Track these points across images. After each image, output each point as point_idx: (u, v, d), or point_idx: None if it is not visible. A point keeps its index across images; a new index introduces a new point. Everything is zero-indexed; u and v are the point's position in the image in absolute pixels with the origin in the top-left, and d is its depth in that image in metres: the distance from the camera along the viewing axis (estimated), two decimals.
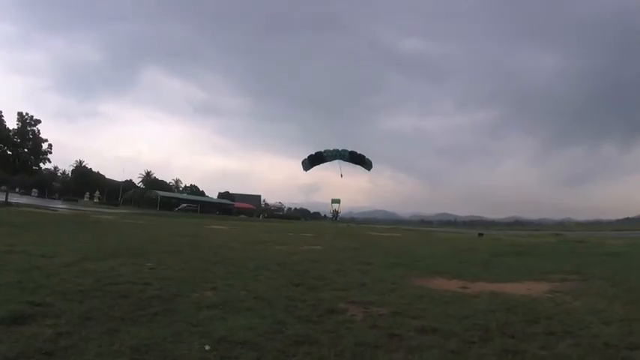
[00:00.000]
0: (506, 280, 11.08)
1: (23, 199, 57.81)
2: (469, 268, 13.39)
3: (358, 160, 38.05)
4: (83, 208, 57.00)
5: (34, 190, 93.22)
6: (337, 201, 44.29)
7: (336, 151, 37.41)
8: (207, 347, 5.05)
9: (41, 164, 47.65)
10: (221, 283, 9.21)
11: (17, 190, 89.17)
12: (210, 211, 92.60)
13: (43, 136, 45.01)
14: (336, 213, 44.40)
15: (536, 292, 9.38)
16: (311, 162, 38.91)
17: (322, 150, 38.16)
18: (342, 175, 40.78)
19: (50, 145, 45.43)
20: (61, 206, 55.61)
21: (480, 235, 43.03)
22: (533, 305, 7.88)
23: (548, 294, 9.15)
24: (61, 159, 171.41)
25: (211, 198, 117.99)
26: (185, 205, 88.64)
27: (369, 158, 38.92)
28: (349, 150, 37.60)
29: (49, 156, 46.38)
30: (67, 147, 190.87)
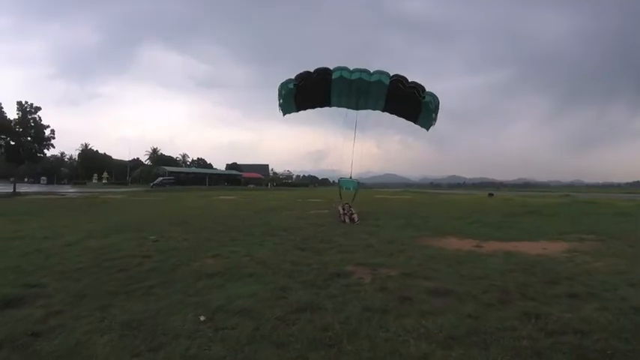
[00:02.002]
0: (520, 240, 10.64)
1: (32, 188, 57.94)
2: (482, 228, 12.95)
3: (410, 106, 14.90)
4: (91, 190, 57.28)
5: (42, 177, 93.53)
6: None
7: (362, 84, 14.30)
8: (202, 318, 4.69)
9: (45, 151, 47.31)
10: (224, 250, 8.89)
11: (26, 179, 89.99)
12: (218, 183, 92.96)
13: (44, 122, 44.52)
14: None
15: (553, 251, 8.93)
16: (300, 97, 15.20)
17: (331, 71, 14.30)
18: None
19: (53, 131, 45.00)
20: (69, 190, 55.57)
21: (490, 195, 42.54)
22: (551, 265, 7.42)
23: (565, 254, 8.67)
24: (67, 144, 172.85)
25: (219, 170, 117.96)
26: (161, 179, 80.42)
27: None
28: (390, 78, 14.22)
29: (52, 142, 45.99)
30: (72, 132, 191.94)
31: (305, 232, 12.04)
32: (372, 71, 13.95)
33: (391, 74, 14.06)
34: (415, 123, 15.46)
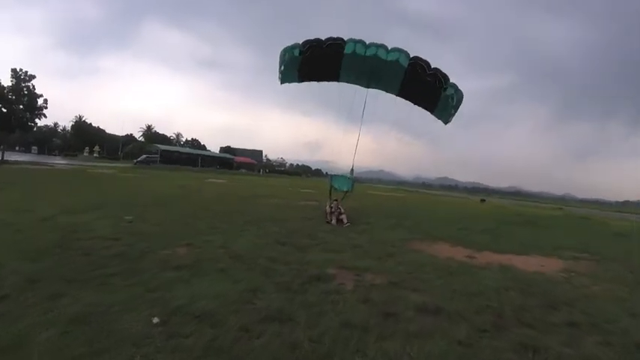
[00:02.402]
0: (514, 252, 10.08)
1: (22, 157, 56.67)
2: (475, 235, 12.41)
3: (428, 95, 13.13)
4: (81, 163, 56.19)
5: (33, 147, 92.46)
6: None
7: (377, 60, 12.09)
8: (155, 320, 4.10)
9: (37, 120, 46.23)
10: (199, 239, 8.25)
11: (17, 148, 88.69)
12: (210, 165, 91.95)
13: (39, 92, 43.49)
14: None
15: (549, 269, 8.39)
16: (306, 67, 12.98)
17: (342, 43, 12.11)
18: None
19: (45, 101, 43.93)
20: (59, 162, 54.45)
21: (482, 200, 42.27)
22: (549, 286, 6.86)
23: (562, 273, 8.13)
24: (62, 116, 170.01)
25: (212, 152, 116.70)
26: (145, 156, 77.00)
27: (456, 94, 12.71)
28: (409, 60, 12.13)
29: (44, 111, 44.95)
30: (68, 104, 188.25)
31: (290, 224, 11.43)
32: (389, 48, 11.89)
33: (411, 55, 12.02)
34: (432, 114, 13.61)
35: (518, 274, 7.59)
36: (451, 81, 12.26)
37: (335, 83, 13.37)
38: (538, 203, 65.83)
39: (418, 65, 12.05)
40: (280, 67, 12.92)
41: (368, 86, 13.74)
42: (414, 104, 13.57)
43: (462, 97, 12.94)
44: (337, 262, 7.06)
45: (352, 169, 14.47)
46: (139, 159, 71.14)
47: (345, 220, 12.35)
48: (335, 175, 14.84)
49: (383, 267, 7.04)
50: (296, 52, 12.24)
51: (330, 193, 14.05)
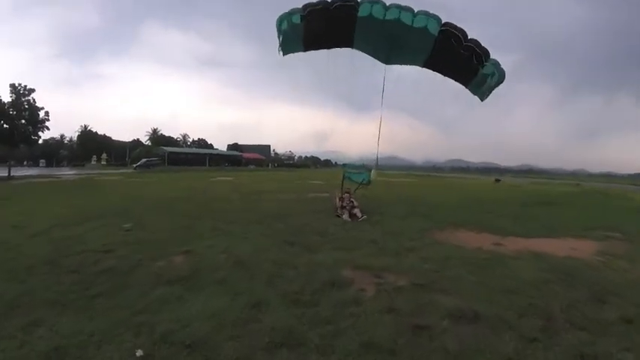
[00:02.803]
0: (542, 235, 9.27)
1: (30, 171, 56.43)
2: (497, 220, 11.52)
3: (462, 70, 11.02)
4: (88, 172, 56.01)
5: (41, 160, 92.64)
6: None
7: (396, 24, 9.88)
8: (138, 353, 3.41)
9: (40, 133, 45.86)
10: (200, 244, 7.56)
11: (25, 163, 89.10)
12: (218, 164, 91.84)
13: (41, 104, 42.97)
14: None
15: (583, 253, 7.57)
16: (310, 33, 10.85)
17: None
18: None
19: (47, 113, 43.29)
20: (66, 173, 54.00)
21: (497, 181, 41.10)
22: (590, 274, 6.05)
23: (598, 257, 7.32)
24: (68, 126, 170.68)
25: (219, 150, 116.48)
26: (145, 160, 74.22)
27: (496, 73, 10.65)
28: (440, 26, 9.96)
29: (47, 124, 44.53)
30: (73, 114, 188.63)
31: (298, 219, 10.67)
32: (415, 10, 9.74)
33: (443, 20, 9.86)
34: (466, 87, 11.47)
35: (553, 261, 6.79)
36: (492, 57, 10.32)
37: (347, 61, 11.36)
38: (552, 180, 64.06)
39: (452, 35, 9.92)
40: (279, 37, 10.98)
41: (387, 61, 11.68)
42: (444, 76, 11.41)
43: (504, 76, 10.91)
44: (352, 261, 6.29)
45: (377, 161, 13.08)
46: (138, 163, 69.33)
47: (359, 215, 11.13)
48: (350, 165, 13.59)
49: (405, 264, 6.24)
50: (295, 19, 10.36)
51: (342, 185, 12.97)
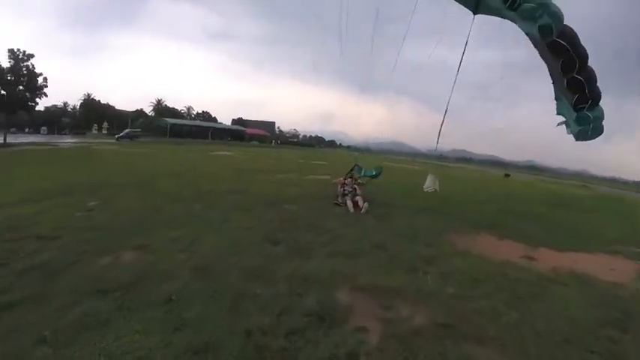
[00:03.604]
0: (574, 248, 7.91)
1: (29, 138, 54.73)
2: (519, 222, 10.11)
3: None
4: (87, 141, 54.41)
5: (43, 128, 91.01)
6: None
7: None
8: None
9: (38, 100, 44.39)
10: (161, 235, 6.21)
11: (27, 130, 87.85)
12: (221, 137, 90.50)
13: (44, 71, 41.68)
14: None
15: (625, 276, 6.37)
16: None
17: None
18: None
19: (45, 79, 41.67)
20: (67, 141, 52.12)
21: (507, 175, 39.52)
22: None
23: None
24: (72, 95, 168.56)
25: (223, 124, 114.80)
26: (127, 130, 69.22)
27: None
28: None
29: (45, 90, 43.05)
30: (78, 83, 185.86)
31: (292, 207, 9.24)
32: None
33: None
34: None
35: (600, 289, 5.49)
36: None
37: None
38: (559, 179, 62.08)
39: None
40: None
41: (476, 10, 8.41)
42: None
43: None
44: (352, 277, 4.86)
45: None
46: (120, 134, 65.17)
47: (360, 203, 9.67)
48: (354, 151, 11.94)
49: (422, 287, 4.77)
50: None
51: (351, 174, 11.51)
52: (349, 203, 9.62)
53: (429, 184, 9.64)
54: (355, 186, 10.51)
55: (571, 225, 10.85)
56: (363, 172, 11.60)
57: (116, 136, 64.46)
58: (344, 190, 10.32)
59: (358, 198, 9.91)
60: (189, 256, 5.18)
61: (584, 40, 7.22)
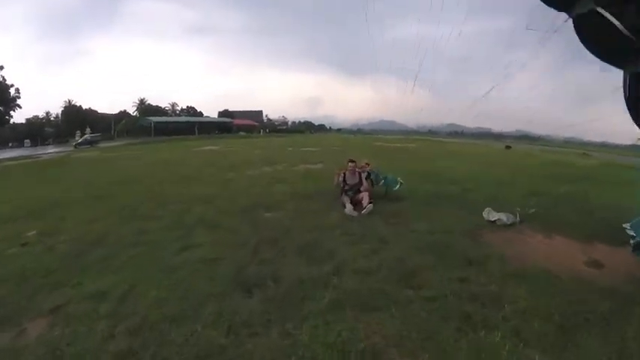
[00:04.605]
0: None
1: (14, 152, 51.62)
2: (554, 207, 8.17)
3: None
4: (67, 150, 51.87)
5: (26, 140, 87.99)
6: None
7: None
8: None
9: (12, 112, 41.57)
10: (88, 287, 4.29)
11: (10, 144, 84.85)
12: (209, 131, 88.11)
13: (16, 83, 38.80)
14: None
15: None
16: None
17: None
18: None
19: (18, 90, 39.20)
20: (48, 151, 49.33)
21: (508, 147, 37.72)
22: None
23: None
24: (54, 104, 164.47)
25: (209, 117, 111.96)
26: (87, 136, 64.63)
27: None
28: None
29: (18, 102, 40.27)
30: (59, 92, 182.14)
31: (276, 215, 7.19)
32: None
33: None
34: None
35: None
36: None
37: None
38: (555, 148, 59.68)
39: None
40: None
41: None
42: None
43: None
44: (371, 339, 2.95)
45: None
46: (79, 141, 60.44)
47: (365, 202, 7.38)
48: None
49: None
50: None
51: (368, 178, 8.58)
52: (348, 205, 7.39)
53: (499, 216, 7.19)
54: (360, 174, 8.13)
55: (611, 205, 8.71)
56: (383, 180, 9.06)
57: (74, 143, 61.04)
58: (344, 185, 7.96)
59: (363, 195, 7.64)
60: (112, 330, 3.26)
61: None
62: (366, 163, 8.95)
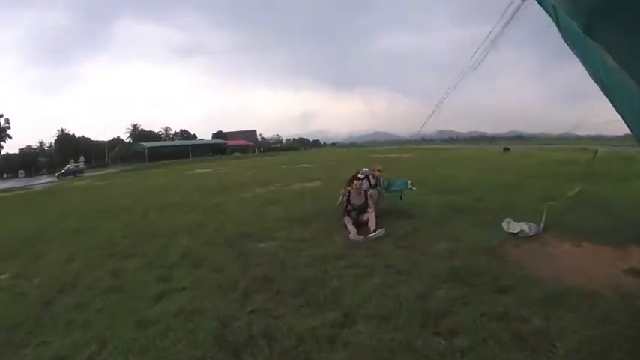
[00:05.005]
0: None
1: (7, 184, 50.59)
2: (575, 211, 7.34)
3: None
4: (62, 180, 51.15)
5: (20, 171, 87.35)
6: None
7: None
8: None
9: (2, 143, 40.92)
10: (52, 342, 3.61)
11: (4, 175, 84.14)
12: (203, 154, 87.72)
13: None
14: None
15: None
16: None
17: None
18: None
19: (7, 120, 38.66)
20: (42, 182, 48.46)
21: (506, 150, 36.95)
22: None
23: None
24: (47, 134, 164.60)
25: (203, 140, 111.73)
26: (69, 166, 64.66)
27: None
28: None
29: (8, 132, 39.62)
30: (52, 121, 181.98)
31: (269, 246, 6.29)
32: None
33: None
34: None
35: None
36: None
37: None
38: (552, 145, 58.95)
39: None
40: None
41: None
42: None
43: None
44: None
45: None
46: (61, 172, 59.72)
47: (372, 224, 6.48)
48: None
49: None
50: None
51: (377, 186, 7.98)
52: (350, 227, 6.49)
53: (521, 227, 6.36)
54: (363, 189, 7.24)
55: (631, 203, 8.00)
56: (394, 185, 8.29)
57: (57, 174, 59.94)
58: (347, 205, 7.01)
59: (369, 215, 6.74)
60: None
61: None
62: (379, 170, 8.16)
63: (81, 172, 59.99)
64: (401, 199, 8.10)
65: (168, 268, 5.41)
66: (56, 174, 59.01)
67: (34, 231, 9.66)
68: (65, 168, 63.21)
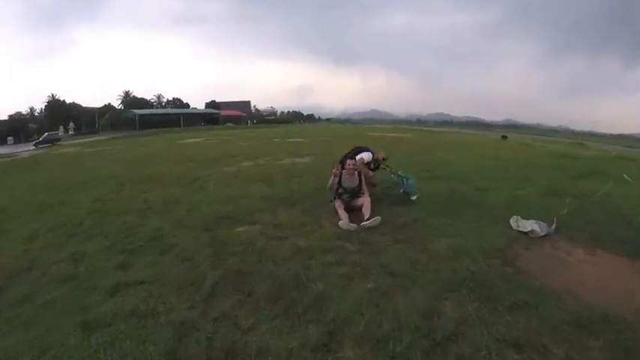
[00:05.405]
0: None
1: None
2: (586, 213, 6.66)
3: None
4: (47, 145, 49.70)
5: (9, 137, 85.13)
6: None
7: None
8: None
9: None
10: None
11: None
12: (195, 123, 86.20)
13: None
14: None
15: None
16: None
17: None
18: None
19: None
20: (29, 149, 47.50)
21: (504, 137, 36.17)
22: None
23: None
24: (39, 100, 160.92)
25: (195, 109, 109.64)
26: (46, 134, 61.07)
27: None
28: None
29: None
30: (44, 87, 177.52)
31: (248, 231, 5.59)
32: None
33: None
34: None
35: None
36: None
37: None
38: (548, 137, 58.10)
39: None
40: None
41: None
42: None
43: None
44: None
45: None
46: (38, 140, 57.97)
47: (366, 211, 5.77)
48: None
49: None
50: None
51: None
52: (342, 213, 5.77)
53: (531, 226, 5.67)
54: (355, 169, 6.40)
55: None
56: (408, 185, 7.23)
57: (34, 142, 58.29)
58: (338, 188, 6.28)
59: (363, 200, 6.05)
60: None
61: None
62: (383, 158, 7.44)
63: (58, 140, 58.08)
64: (403, 193, 7.29)
65: (131, 254, 4.73)
66: (33, 142, 57.50)
67: (5, 204, 9.00)
68: (43, 136, 61.41)
